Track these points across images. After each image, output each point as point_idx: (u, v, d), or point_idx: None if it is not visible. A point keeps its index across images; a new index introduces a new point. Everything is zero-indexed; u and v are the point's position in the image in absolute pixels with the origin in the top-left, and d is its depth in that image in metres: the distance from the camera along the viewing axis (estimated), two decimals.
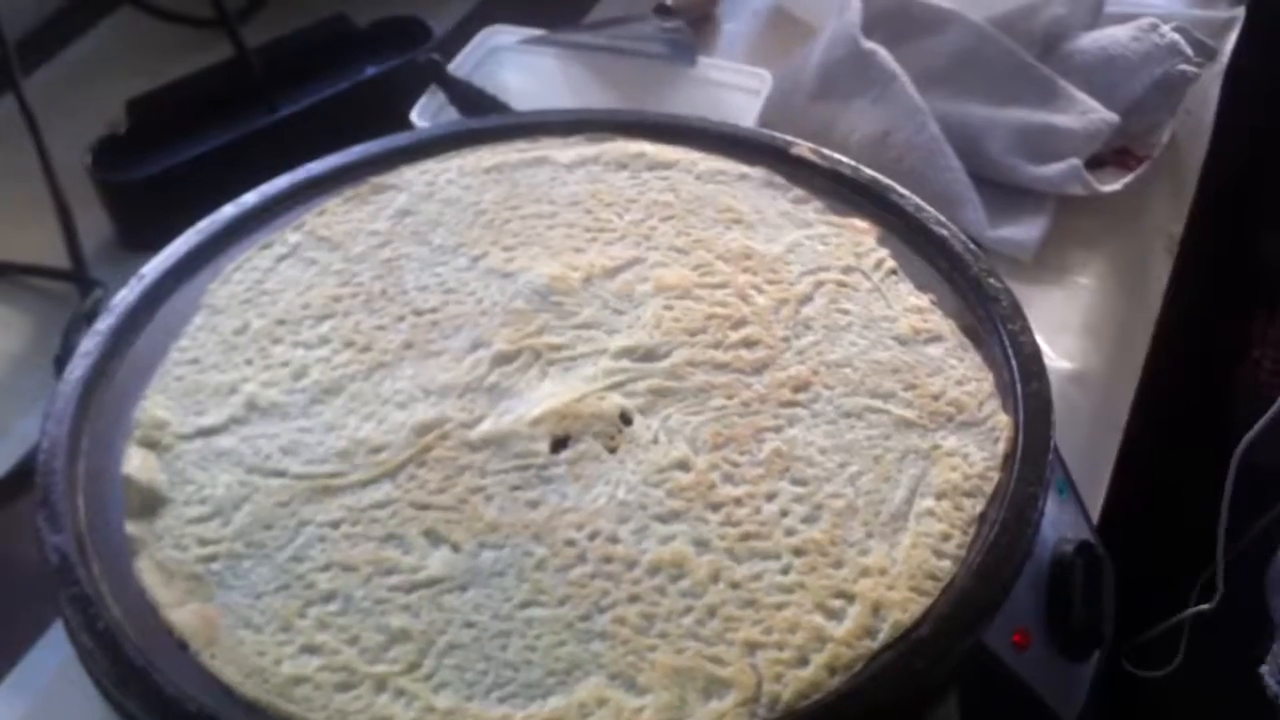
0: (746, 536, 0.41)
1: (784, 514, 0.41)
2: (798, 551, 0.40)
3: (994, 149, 0.68)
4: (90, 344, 0.47)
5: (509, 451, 0.43)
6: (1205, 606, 0.69)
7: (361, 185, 0.55)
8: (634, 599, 0.39)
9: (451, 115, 0.68)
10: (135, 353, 0.47)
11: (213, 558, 0.40)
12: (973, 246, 0.51)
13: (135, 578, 0.40)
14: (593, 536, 0.41)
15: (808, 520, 0.41)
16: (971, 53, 0.72)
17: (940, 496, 0.42)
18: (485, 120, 0.61)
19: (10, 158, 0.65)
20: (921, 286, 0.50)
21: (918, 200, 0.53)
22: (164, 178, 0.65)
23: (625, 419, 0.45)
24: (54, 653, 0.50)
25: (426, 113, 0.68)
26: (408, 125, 0.67)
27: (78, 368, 0.46)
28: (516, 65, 0.73)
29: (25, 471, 0.53)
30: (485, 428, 0.44)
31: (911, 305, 0.50)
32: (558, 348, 0.47)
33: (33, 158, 0.62)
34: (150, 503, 0.42)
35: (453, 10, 0.84)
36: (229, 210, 0.53)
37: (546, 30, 0.75)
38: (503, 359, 0.47)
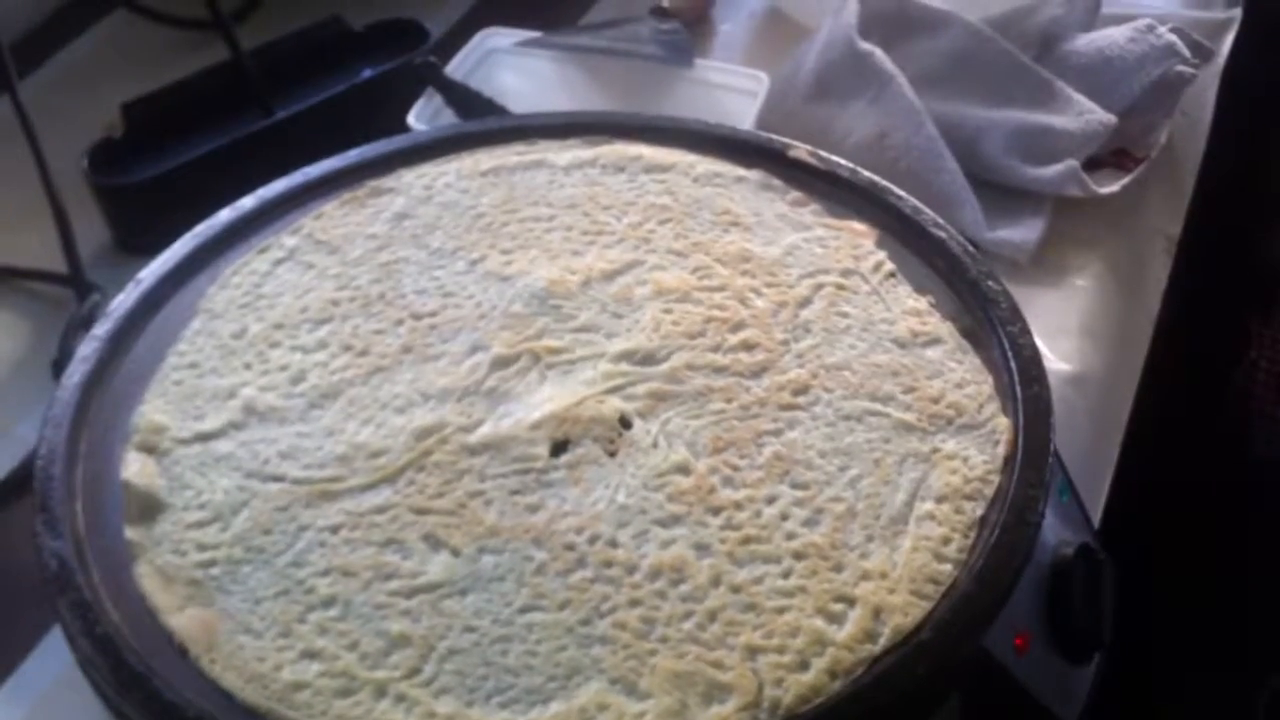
0: (747, 540, 0.41)
1: (784, 518, 0.41)
2: (798, 555, 0.40)
3: (991, 150, 0.68)
4: (88, 349, 0.47)
5: (508, 455, 0.43)
6: None
7: (359, 189, 0.54)
8: (634, 603, 0.39)
9: (448, 118, 0.68)
10: (133, 358, 0.47)
11: (212, 563, 0.40)
12: (971, 248, 0.51)
13: (134, 583, 0.40)
14: (593, 541, 0.41)
15: (808, 524, 0.41)
16: (968, 54, 0.72)
17: (940, 500, 0.42)
18: (482, 123, 0.61)
19: (5, 162, 0.65)
20: (920, 289, 0.50)
21: (915, 202, 0.53)
22: (160, 181, 0.65)
23: (625, 423, 0.45)
24: (53, 659, 0.50)
25: (423, 116, 0.68)
26: (404, 128, 0.67)
27: (76, 373, 0.46)
28: (513, 67, 0.73)
29: (23, 476, 0.53)
30: (484, 432, 0.44)
31: (910, 308, 0.49)
32: (556, 351, 0.47)
33: (28, 162, 0.62)
34: (149, 508, 0.42)
35: (448, 12, 0.84)
36: (226, 214, 0.53)
37: (543, 32, 0.75)
38: (501, 363, 0.47)
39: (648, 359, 0.47)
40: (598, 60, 0.74)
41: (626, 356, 0.47)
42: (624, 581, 0.39)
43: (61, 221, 0.62)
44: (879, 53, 0.70)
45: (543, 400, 0.45)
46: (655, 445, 0.44)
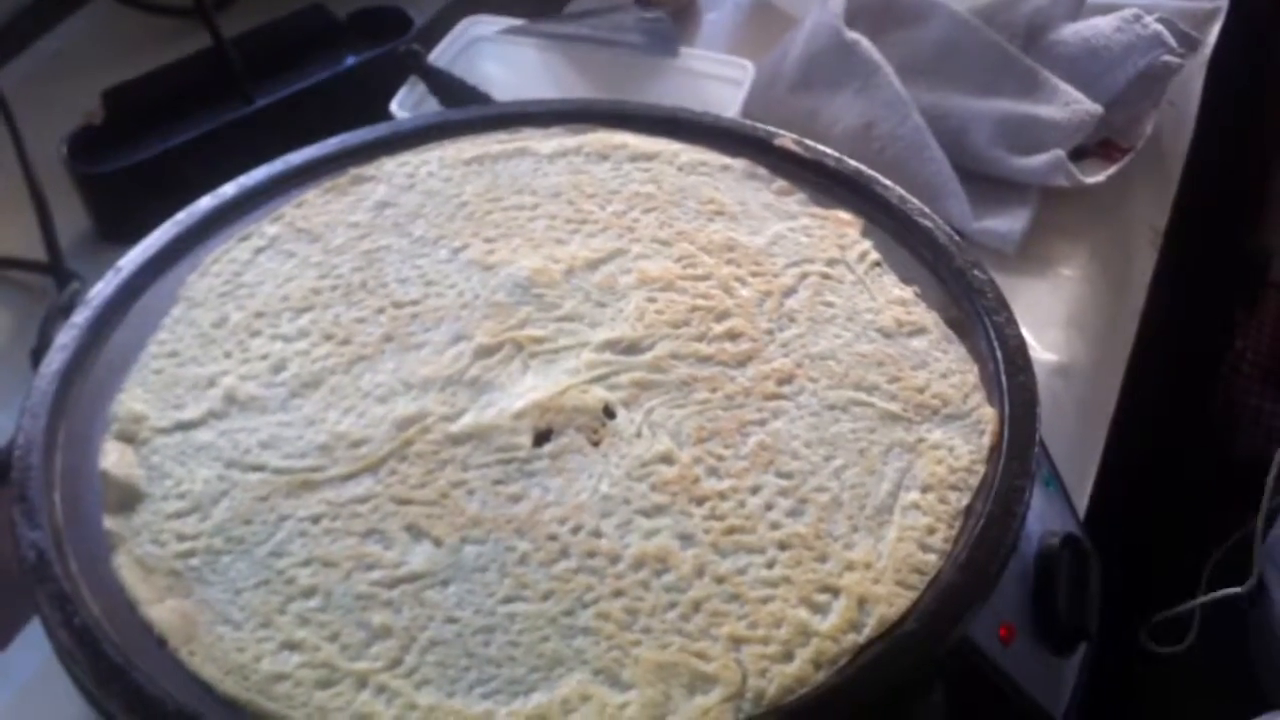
0: (731, 530, 0.40)
1: (769, 508, 0.41)
2: (783, 545, 0.40)
3: (977, 140, 0.68)
4: (67, 337, 0.46)
5: (491, 445, 0.43)
6: (1237, 590, 0.69)
7: (341, 177, 0.54)
8: (618, 594, 0.39)
9: (432, 106, 0.68)
10: (112, 346, 0.47)
11: (191, 553, 0.40)
12: (957, 238, 0.51)
13: (113, 574, 0.39)
14: (576, 531, 0.40)
15: (792, 514, 0.41)
16: (954, 44, 0.72)
17: (925, 490, 0.42)
18: (465, 111, 0.61)
19: None
20: (906, 279, 0.50)
21: (902, 192, 0.53)
22: (141, 169, 0.64)
23: (608, 412, 0.44)
24: (34, 650, 0.49)
25: (407, 103, 0.68)
26: (388, 116, 0.66)
27: (54, 361, 0.45)
28: (497, 56, 0.73)
29: (1, 466, 0.52)
30: (467, 421, 0.44)
31: (896, 297, 0.49)
32: (540, 340, 0.47)
33: (7, 150, 0.62)
34: (128, 498, 0.41)
35: (432, 0, 0.83)
36: (207, 202, 0.52)
37: (527, 20, 0.74)
38: (484, 352, 0.46)
39: (632, 348, 0.47)
40: (582, 49, 0.73)
41: (610, 346, 0.47)
42: (607, 572, 0.39)
43: (41, 209, 0.61)
44: (865, 42, 0.70)
45: (526, 390, 0.45)
46: (639, 435, 0.43)
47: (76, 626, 0.37)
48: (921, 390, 0.45)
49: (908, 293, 0.50)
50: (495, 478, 0.42)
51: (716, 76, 0.71)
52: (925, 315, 0.49)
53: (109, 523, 0.41)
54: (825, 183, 0.54)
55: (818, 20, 0.72)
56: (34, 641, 0.49)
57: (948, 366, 0.46)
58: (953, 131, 0.68)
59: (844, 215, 0.53)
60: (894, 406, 0.45)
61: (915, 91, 0.68)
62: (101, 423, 0.44)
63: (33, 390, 0.44)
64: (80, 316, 0.47)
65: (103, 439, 0.43)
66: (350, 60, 0.72)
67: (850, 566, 0.39)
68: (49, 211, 0.62)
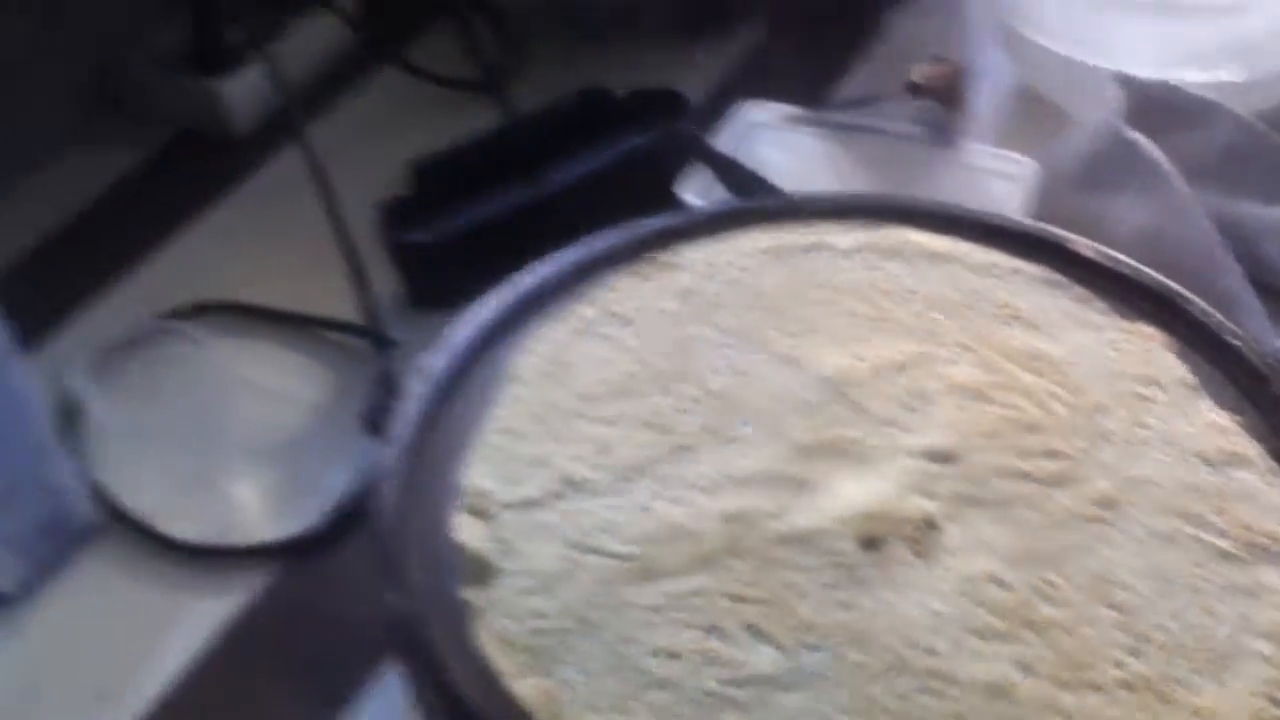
0: (1071, 665, 0.40)
1: (1107, 642, 0.41)
2: (1127, 686, 0.40)
3: (1270, 252, 0.66)
4: (411, 408, 0.49)
5: (818, 548, 0.44)
6: None
7: (645, 263, 0.56)
8: (958, 718, 0.39)
9: (717, 192, 0.70)
10: (450, 418, 0.49)
11: (545, 632, 0.41)
12: (1273, 362, 0.50)
13: (474, 645, 0.41)
14: (911, 646, 0.41)
15: (1132, 652, 0.40)
16: (1240, 148, 0.70)
17: (1269, 638, 0.41)
18: (759, 201, 0.63)
19: (285, 213, 0.68)
20: (1221, 403, 0.49)
21: (1205, 306, 0.53)
22: (453, 240, 0.68)
23: (930, 524, 0.45)
24: (383, 707, 0.51)
25: (692, 188, 0.70)
26: (669, 199, 0.68)
27: (402, 429, 0.48)
28: (774, 141, 0.74)
29: (339, 524, 0.55)
30: (792, 521, 0.45)
31: (1213, 423, 0.48)
32: (854, 442, 0.48)
33: (305, 212, 0.64)
34: (481, 571, 0.43)
35: (698, 82, 0.85)
36: (525, 280, 0.54)
37: (803, 108, 0.76)
38: (800, 450, 0.47)
39: (948, 458, 0.47)
40: (857, 137, 0.75)
41: (926, 454, 0.47)
42: (947, 694, 0.39)
43: (358, 274, 0.64)
44: (1146, 142, 0.69)
45: (845, 493, 0.46)
46: (965, 550, 0.44)
47: (446, 693, 0.39)
48: (1249, 527, 0.44)
49: (1225, 419, 0.49)
50: (825, 582, 0.43)
51: (993, 171, 0.71)
52: (1248, 445, 0.48)
53: (467, 594, 0.43)
54: (1123, 292, 0.54)
55: (1098, 119, 0.71)
56: (385, 699, 0.51)
57: (1278, 502, 0.45)
58: (1244, 241, 0.66)
59: (1148, 329, 0.52)
60: (1224, 543, 0.44)
61: (1201, 197, 0.67)
62: (449, 493, 0.46)
63: (385, 456, 0.47)
64: (420, 388, 0.50)
65: (452, 510, 0.45)
66: (633, 142, 0.75)
67: (1198, 713, 0.39)
68: (368, 277, 0.64)
